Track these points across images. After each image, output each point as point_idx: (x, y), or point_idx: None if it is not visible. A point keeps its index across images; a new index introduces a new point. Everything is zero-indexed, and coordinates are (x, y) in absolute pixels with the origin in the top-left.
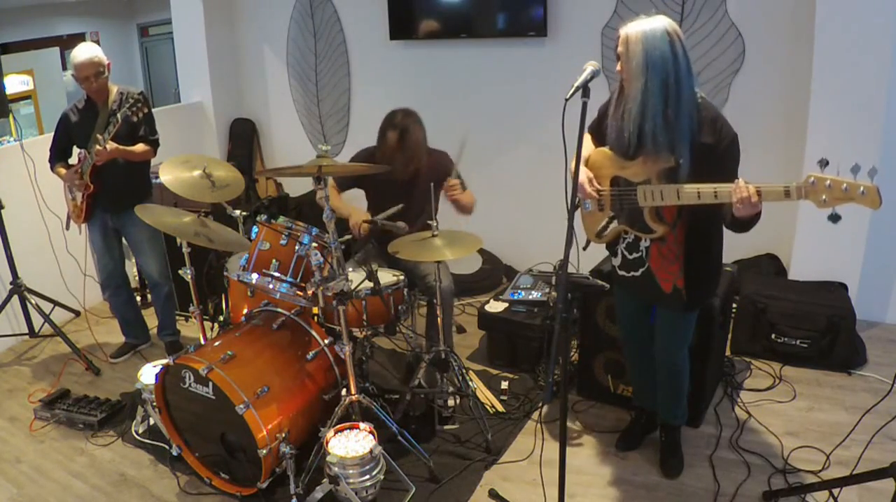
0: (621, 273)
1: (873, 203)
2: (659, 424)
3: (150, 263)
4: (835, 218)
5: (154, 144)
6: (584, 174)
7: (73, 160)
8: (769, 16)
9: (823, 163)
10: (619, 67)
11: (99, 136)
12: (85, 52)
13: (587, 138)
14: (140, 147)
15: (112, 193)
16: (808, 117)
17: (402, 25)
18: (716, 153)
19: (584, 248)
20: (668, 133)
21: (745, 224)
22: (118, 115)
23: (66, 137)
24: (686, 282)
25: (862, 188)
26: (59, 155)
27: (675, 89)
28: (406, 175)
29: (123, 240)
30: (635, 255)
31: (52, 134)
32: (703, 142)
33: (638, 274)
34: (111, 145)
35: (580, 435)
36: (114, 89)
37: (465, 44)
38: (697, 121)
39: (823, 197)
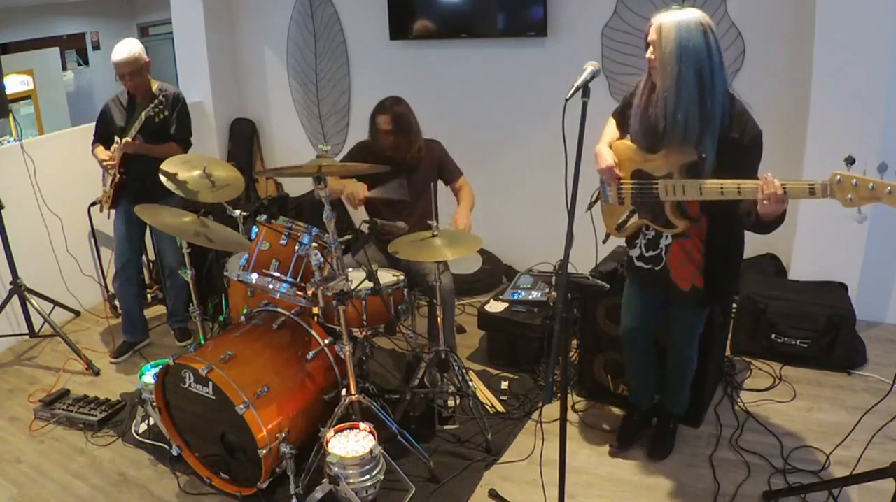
0: (639, 264)
1: None
2: (658, 411)
3: (170, 252)
4: (860, 218)
5: (183, 143)
6: (611, 158)
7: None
8: (769, 16)
9: (850, 161)
10: (649, 55)
11: (130, 130)
12: (121, 51)
13: (612, 122)
14: (164, 146)
15: (137, 185)
16: (808, 117)
17: (403, 25)
18: (739, 148)
19: (604, 242)
20: (701, 123)
21: (768, 225)
22: (143, 115)
23: (106, 128)
24: (706, 282)
25: (889, 188)
26: (99, 141)
27: (710, 80)
28: (412, 158)
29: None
30: (652, 253)
31: (94, 124)
32: (728, 136)
33: (656, 268)
34: (129, 142)
35: (580, 435)
36: (154, 85)
37: (465, 44)
38: (728, 115)
39: (849, 195)
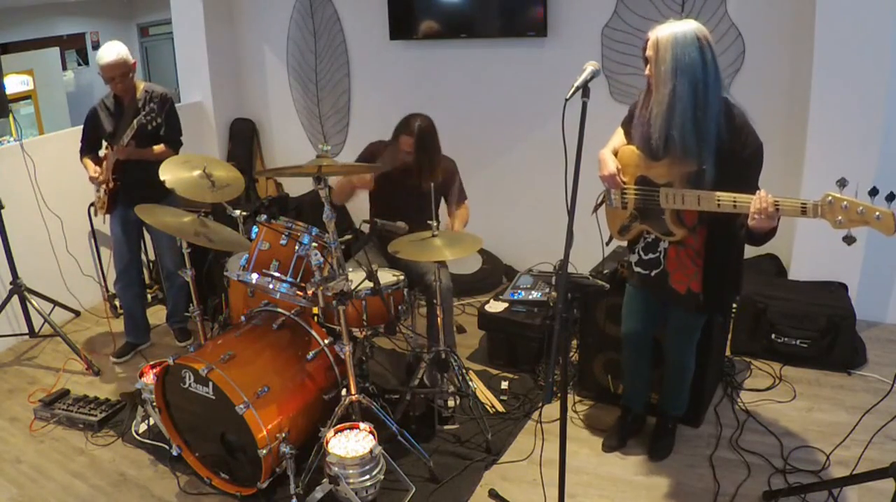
0: (637, 269)
1: (888, 229)
2: (657, 411)
3: (168, 255)
4: (850, 240)
5: (173, 145)
6: (613, 165)
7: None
8: (769, 16)
9: (842, 183)
10: (647, 71)
11: (122, 137)
12: (110, 53)
13: (620, 132)
14: (156, 149)
15: (132, 190)
16: (808, 117)
17: (402, 25)
18: (739, 160)
19: (607, 243)
20: (697, 138)
21: (759, 238)
22: (134, 122)
23: (95, 132)
24: (704, 286)
25: (877, 213)
26: (88, 147)
27: (703, 94)
28: (428, 185)
29: (144, 236)
30: (651, 256)
31: (82, 127)
32: (728, 148)
33: (653, 273)
34: (120, 148)
35: (580, 435)
36: (140, 87)
37: (465, 44)
38: (726, 127)
39: (839, 217)
